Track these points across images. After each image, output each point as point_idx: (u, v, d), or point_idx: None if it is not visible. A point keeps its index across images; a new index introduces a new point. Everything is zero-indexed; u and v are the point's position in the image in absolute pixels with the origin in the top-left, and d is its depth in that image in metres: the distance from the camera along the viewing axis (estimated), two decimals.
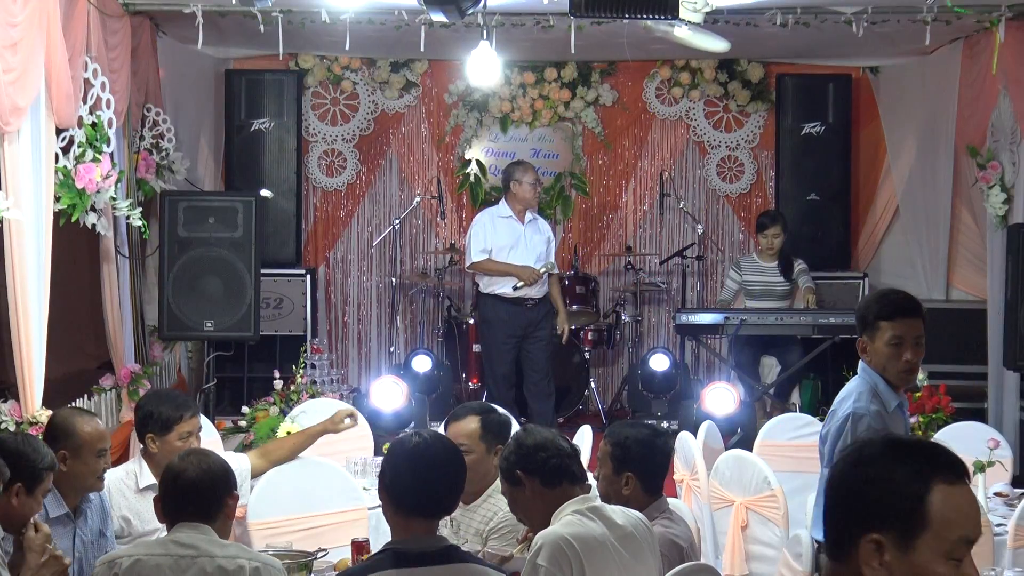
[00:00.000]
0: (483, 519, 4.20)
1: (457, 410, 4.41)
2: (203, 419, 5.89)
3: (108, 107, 6.31)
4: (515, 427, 5.07)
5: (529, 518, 3.65)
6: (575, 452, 3.68)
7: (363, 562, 3.30)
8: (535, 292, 7.91)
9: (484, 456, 4.21)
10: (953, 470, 1.88)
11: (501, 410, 4.48)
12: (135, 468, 4.57)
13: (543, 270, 7.84)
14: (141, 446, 4.64)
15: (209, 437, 5.72)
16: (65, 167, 5.84)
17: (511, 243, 7.91)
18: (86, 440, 4.05)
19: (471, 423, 4.26)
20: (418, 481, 3.17)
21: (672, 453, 4.13)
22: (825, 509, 1.95)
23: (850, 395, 3.92)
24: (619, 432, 4.04)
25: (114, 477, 4.38)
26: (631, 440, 3.98)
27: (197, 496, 3.43)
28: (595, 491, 3.71)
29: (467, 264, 8.17)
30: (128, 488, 4.49)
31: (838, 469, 1.93)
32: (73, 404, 6.17)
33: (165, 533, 3.50)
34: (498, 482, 4.20)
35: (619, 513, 3.59)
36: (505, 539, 4.10)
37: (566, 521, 3.47)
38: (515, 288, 7.83)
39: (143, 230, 6.99)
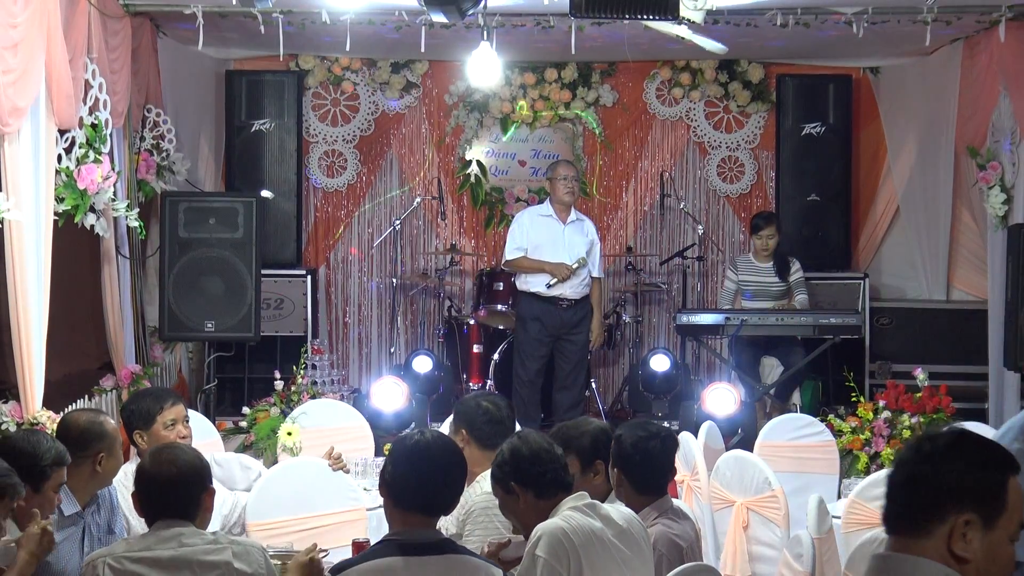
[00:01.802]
0: (458, 506, 4.27)
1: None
2: (203, 420, 5.94)
3: (107, 108, 6.32)
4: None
5: (521, 525, 3.67)
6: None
7: (367, 551, 3.35)
8: (571, 293, 7.91)
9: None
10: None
11: (486, 395, 4.65)
12: (133, 468, 4.57)
13: (575, 265, 7.84)
14: (135, 447, 4.66)
15: (210, 438, 5.74)
16: (68, 168, 5.85)
17: (548, 242, 7.93)
18: (115, 436, 4.15)
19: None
20: (418, 478, 3.25)
21: (665, 456, 4.12)
22: (903, 488, 2.15)
23: (1007, 429, 3.70)
24: (619, 428, 4.14)
25: (114, 478, 4.38)
26: (620, 435, 4.08)
27: (172, 496, 3.46)
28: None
29: (503, 261, 8.21)
30: (128, 488, 4.49)
31: (924, 452, 2.13)
32: (74, 405, 6.18)
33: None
34: (480, 474, 4.30)
35: (614, 511, 3.62)
36: (477, 522, 4.16)
37: (565, 515, 3.49)
38: (548, 286, 7.84)
39: (139, 230, 7.00)
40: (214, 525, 4.01)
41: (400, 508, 3.25)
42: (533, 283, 7.95)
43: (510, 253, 8.02)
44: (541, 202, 8.68)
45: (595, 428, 4.13)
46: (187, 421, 4.70)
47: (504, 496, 3.65)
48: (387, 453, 3.51)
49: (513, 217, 9.11)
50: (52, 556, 3.88)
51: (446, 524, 4.22)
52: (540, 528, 3.45)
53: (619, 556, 3.49)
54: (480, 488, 4.30)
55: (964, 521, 2.07)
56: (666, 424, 8.35)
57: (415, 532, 3.21)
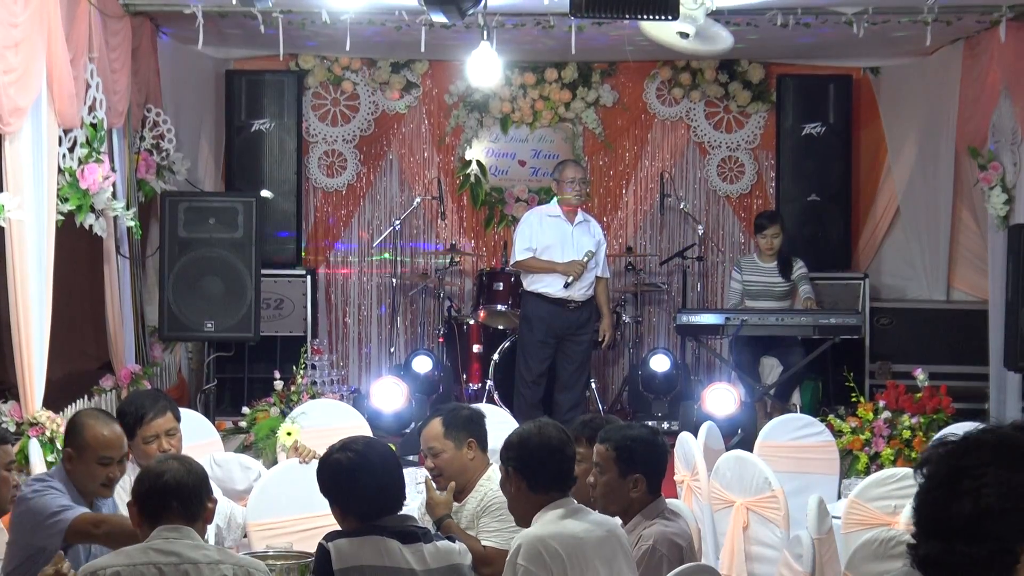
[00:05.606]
0: (476, 502, 4.36)
1: (427, 416, 4.61)
2: (203, 420, 5.91)
3: (103, 108, 6.31)
4: (498, 422, 5.19)
5: (511, 508, 3.77)
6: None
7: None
8: (578, 295, 7.85)
9: (456, 453, 4.38)
10: None
11: (469, 406, 4.68)
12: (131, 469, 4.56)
13: (585, 259, 7.81)
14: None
15: (210, 438, 5.72)
16: (71, 168, 5.85)
17: (557, 242, 7.85)
18: (88, 443, 3.98)
19: (435, 426, 4.43)
20: (374, 489, 3.45)
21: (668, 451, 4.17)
22: (971, 530, 1.83)
23: None
24: (617, 434, 3.97)
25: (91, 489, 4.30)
26: (635, 441, 3.93)
27: (183, 497, 3.31)
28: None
29: (511, 262, 8.12)
30: (125, 490, 4.47)
31: (986, 489, 1.82)
32: (74, 405, 6.17)
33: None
34: (488, 471, 4.34)
35: (597, 516, 3.67)
36: (495, 515, 4.21)
37: (548, 520, 3.52)
38: (566, 286, 7.76)
39: (136, 230, 7.00)
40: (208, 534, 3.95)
41: (367, 519, 3.42)
42: (543, 284, 7.86)
43: (520, 254, 7.89)
44: (544, 202, 8.65)
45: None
46: (172, 434, 4.43)
47: (504, 475, 3.73)
48: (323, 477, 3.54)
49: (513, 217, 9.10)
50: (43, 553, 3.84)
51: (458, 518, 4.31)
52: (519, 537, 3.51)
53: (605, 560, 3.51)
54: (496, 484, 4.31)
55: None
56: (665, 425, 8.38)
57: (394, 519, 3.44)
